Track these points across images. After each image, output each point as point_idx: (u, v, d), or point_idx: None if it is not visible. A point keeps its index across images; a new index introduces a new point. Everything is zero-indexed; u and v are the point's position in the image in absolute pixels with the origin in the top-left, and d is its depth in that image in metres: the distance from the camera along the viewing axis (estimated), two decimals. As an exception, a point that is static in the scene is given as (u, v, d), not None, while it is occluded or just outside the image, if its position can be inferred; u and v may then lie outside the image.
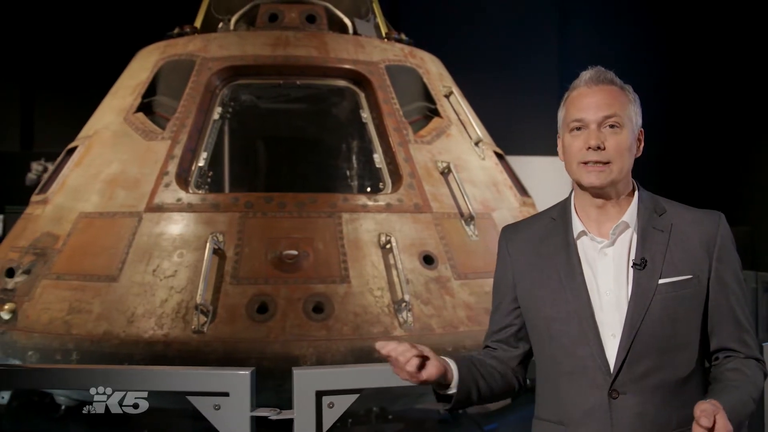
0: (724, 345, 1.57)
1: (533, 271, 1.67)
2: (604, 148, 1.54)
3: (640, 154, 1.63)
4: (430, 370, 1.48)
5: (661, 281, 1.53)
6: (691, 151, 10.13)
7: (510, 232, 1.78)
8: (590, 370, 1.54)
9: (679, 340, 1.53)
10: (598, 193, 1.59)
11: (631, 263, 1.55)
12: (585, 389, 1.54)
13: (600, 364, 1.52)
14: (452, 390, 1.57)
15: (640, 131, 1.63)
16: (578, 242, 1.62)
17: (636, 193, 1.64)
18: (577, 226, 1.63)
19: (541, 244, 1.68)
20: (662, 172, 10.02)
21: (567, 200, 1.71)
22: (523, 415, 3.95)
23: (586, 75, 1.62)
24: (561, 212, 1.70)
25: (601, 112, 1.56)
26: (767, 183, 9.12)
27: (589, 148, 1.55)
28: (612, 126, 1.55)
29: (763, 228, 9.08)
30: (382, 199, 3.46)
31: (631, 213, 1.60)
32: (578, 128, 1.59)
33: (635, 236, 1.58)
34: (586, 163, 1.56)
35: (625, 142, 1.56)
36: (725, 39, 9.75)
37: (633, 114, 1.59)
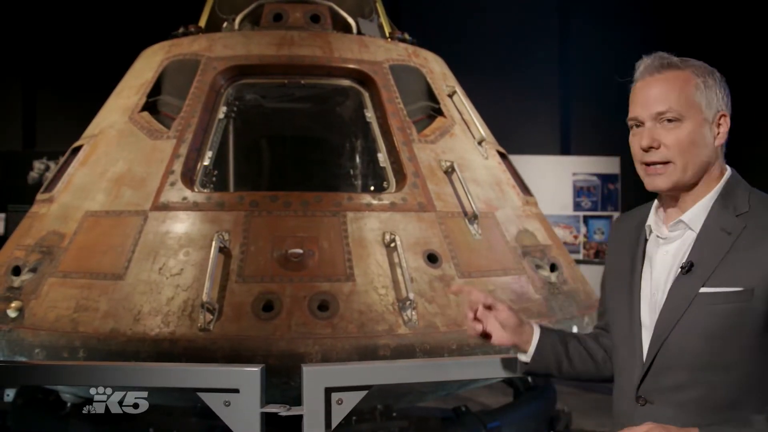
0: None
1: (616, 262, 1.63)
2: (659, 147, 1.41)
3: (721, 142, 1.46)
4: (493, 332, 1.59)
5: (702, 290, 1.36)
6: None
7: (618, 220, 1.73)
8: (627, 370, 1.49)
9: (720, 359, 1.35)
10: (667, 194, 1.48)
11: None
12: (622, 388, 1.51)
13: (636, 366, 1.46)
14: (524, 359, 1.62)
15: (721, 115, 1.44)
16: (650, 237, 1.54)
17: (719, 184, 1.46)
18: (650, 219, 1.54)
19: (631, 233, 1.60)
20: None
21: None
22: (525, 414, 3.98)
23: (641, 65, 1.50)
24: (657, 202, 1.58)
25: (654, 108, 1.42)
26: (767, 183, 9.14)
27: (643, 149, 1.43)
28: (670, 120, 1.41)
29: (763, 227, 9.10)
30: (386, 198, 3.48)
31: (695, 210, 1.44)
32: (636, 125, 1.47)
33: (695, 235, 1.43)
34: (647, 164, 1.45)
35: (686, 136, 1.40)
36: (726, 38, 9.77)
37: (702, 99, 1.42)
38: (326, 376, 1.95)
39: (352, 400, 1.96)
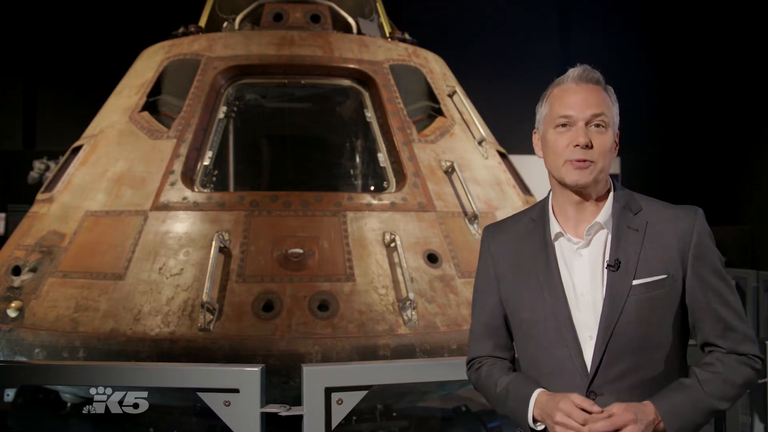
0: (706, 340, 1.57)
1: (514, 272, 1.67)
2: (592, 147, 1.54)
3: (615, 155, 1.65)
4: None
5: (635, 282, 1.52)
6: (691, 151, 10.16)
7: (492, 231, 1.78)
8: (568, 371, 1.54)
9: (654, 340, 1.53)
10: (580, 191, 1.59)
11: (605, 264, 1.55)
12: (564, 390, 1.53)
13: (578, 366, 1.53)
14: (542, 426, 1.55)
15: (617, 133, 1.64)
16: (556, 243, 1.62)
17: (612, 192, 1.63)
18: (554, 227, 1.63)
19: (522, 244, 1.68)
20: (663, 171, 10.04)
21: (545, 201, 1.70)
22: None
23: (574, 72, 1.61)
24: (540, 213, 1.70)
25: (589, 111, 1.56)
26: (767, 183, 9.14)
27: (577, 145, 1.54)
28: (598, 125, 1.55)
29: (763, 228, 9.10)
30: (386, 198, 3.48)
31: (605, 213, 1.59)
32: (564, 125, 1.58)
33: (610, 236, 1.57)
34: (572, 160, 1.56)
35: (609, 142, 1.57)
36: (726, 39, 9.77)
37: (614, 115, 1.60)
38: (326, 376, 1.95)
39: (352, 400, 1.96)
